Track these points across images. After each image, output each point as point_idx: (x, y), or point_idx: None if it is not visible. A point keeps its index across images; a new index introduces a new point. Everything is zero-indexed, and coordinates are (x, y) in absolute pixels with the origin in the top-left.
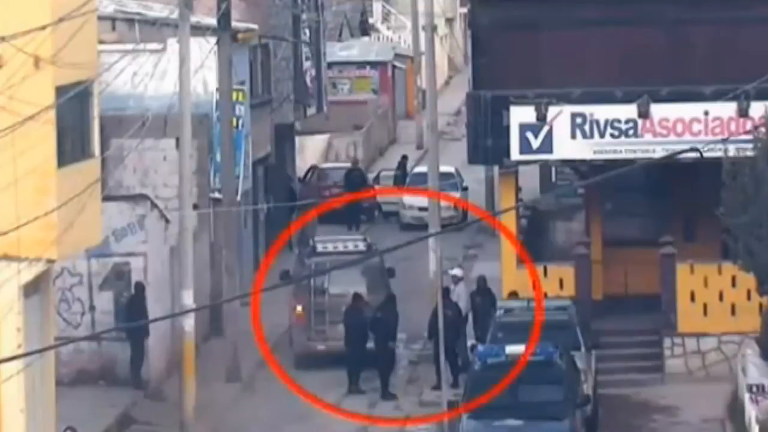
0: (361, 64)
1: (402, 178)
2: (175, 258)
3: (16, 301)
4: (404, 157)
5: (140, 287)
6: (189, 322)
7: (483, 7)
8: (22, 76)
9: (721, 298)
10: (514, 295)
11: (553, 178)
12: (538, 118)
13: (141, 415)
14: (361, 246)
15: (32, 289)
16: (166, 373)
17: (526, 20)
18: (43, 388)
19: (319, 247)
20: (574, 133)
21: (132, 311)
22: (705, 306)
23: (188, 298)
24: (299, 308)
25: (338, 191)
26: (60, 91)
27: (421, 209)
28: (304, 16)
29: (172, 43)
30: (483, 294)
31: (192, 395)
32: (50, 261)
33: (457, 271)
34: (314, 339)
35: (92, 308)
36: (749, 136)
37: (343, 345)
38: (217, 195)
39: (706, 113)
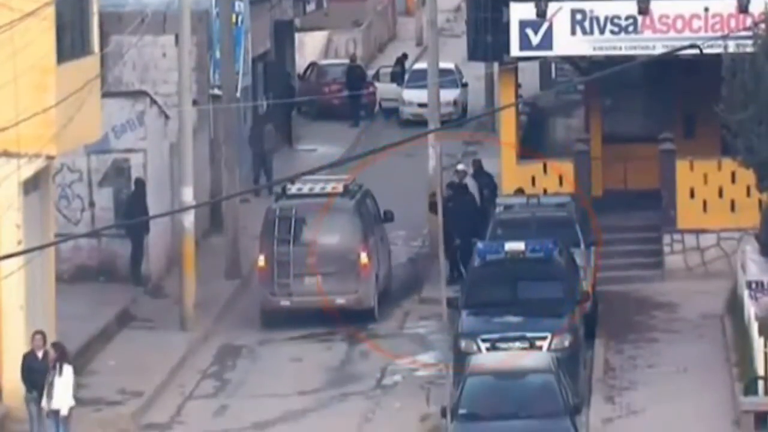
0: None
1: (401, 74)
2: (175, 154)
3: (16, 197)
4: (404, 55)
5: (140, 183)
6: (189, 219)
7: None
8: None
9: (720, 194)
10: (520, 191)
11: (553, 75)
12: (537, 15)
13: (141, 312)
14: (340, 188)
15: (32, 185)
16: (165, 269)
17: None
18: (42, 284)
19: (291, 190)
20: (573, 29)
21: (132, 208)
22: (704, 202)
23: (188, 195)
24: (262, 259)
25: (338, 88)
26: None
27: (421, 105)
28: None
29: None
30: (479, 176)
31: (192, 292)
32: (50, 157)
33: (461, 166)
34: (275, 292)
35: (92, 204)
36: (749, 33)
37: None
38: (216, 91)
39: (706, 9)
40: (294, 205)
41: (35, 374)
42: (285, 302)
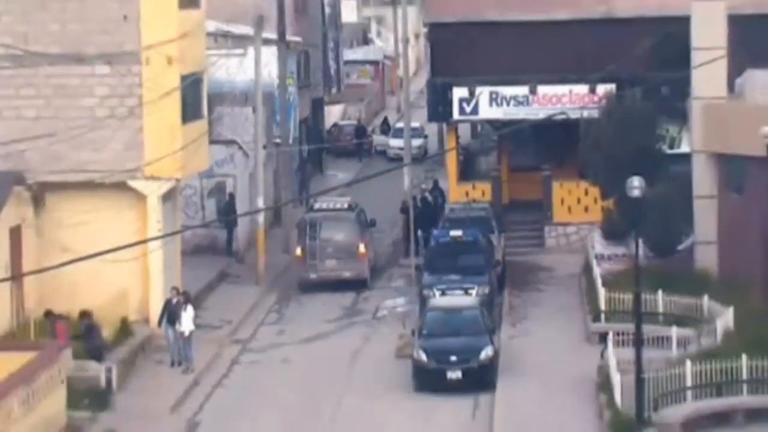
0: (363, 62)
1: (387, 130)
2: (252, 178)
3: (157, 204)
4: (386, 118)
5: (232, 196)
6: (260, 217)
7: (435, 29)
8: (161, 69)
9: (579, 202)
10: (466, 197)
11: (478, 130)
12: (469, 94)
13: (232, 272)
14: (346, 205)
15: (167, 197)
16: (247, 247)
17: (462, 38)
18: (173, 256)
19: (315, 206)
20: (491, 103)
21: (227, 210)
22: (569, 207)
23: (260, 203)
24: (299, 249)
25: (349, 138)
26: (183, 78)
27: (400, 148)
28: (329, 33)
29: (250, 50)
30: (436, 192)
31: (262, 261)
32: (177, 180)
33: (424, 186)
34: (307, 270)
35: (203, 208)
36: (596, 106)
37: (334, 276)
38: (277, 140)
39: (570, 91)
40: (318, 216)
41: (171, 311)
42: (313, 276)
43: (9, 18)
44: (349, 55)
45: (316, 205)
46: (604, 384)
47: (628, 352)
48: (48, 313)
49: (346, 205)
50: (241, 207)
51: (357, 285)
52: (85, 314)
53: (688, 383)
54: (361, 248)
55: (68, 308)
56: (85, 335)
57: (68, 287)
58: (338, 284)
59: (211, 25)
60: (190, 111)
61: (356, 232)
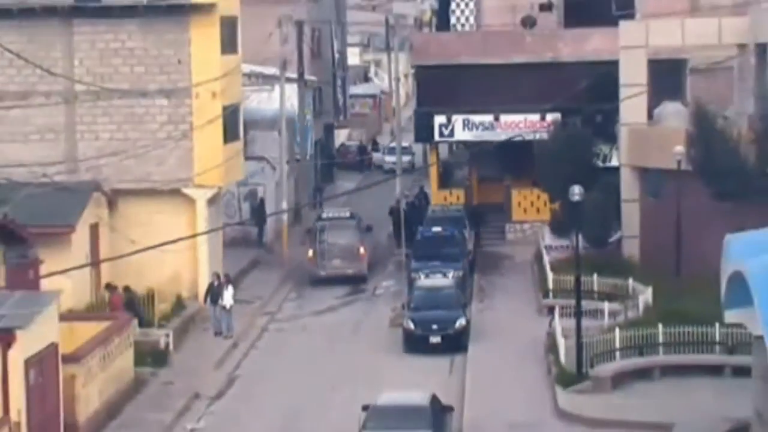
0: (364, 96)
1: (377, 149)
2: (278, 187)
3: (204, 206)
4: (375, 140)
5: (262, 200)
6: (284, 217)
7: (420, 70)
8: (207, 101)
9: (532, 204)
10: (445, 201)
11: (454, 149)
12: (447, 121)
13: (262, 260)
14: (348, 214)
15: (211, 201)
16: (274, 239)
17: (441, 77)
18: (216, 247)
19: (322, 215)
20: (464, 128)
21: (258, 211)
22: (525, 208)
23: (284, 205)
24: (311, 252)
25: (353, 155)
26: (224, 108)
27: (393, 163)
28: (338, 73)
29: (276, 87)
30: (421, 196)
31: (286, 251)
32: (219, 187)
33: (408, 192)
34: (318, 268)
35: (239, 210)
36: (545, 130)
37: (339, 272)
38: (297, 157)
39: (525, 118)
40: (326, 223)
41: (213, 292)
42: (322, 273)
43: (90, 62)
44: (353, 90)
45: (324, 215)
46: (551, 346)
47: (570, 322)
48: (108, 285)
49: (348, 214)
50: (269, 209)
51: (357, 280)
52: (127, 289)
53: (617, 346)
54: (361, 250)
55: (135, 287)
56: (128, 305)
57: (135, 271)
58: (342, 279)
59: (246, 67)
60: (229, 134)
61: (357, 237)
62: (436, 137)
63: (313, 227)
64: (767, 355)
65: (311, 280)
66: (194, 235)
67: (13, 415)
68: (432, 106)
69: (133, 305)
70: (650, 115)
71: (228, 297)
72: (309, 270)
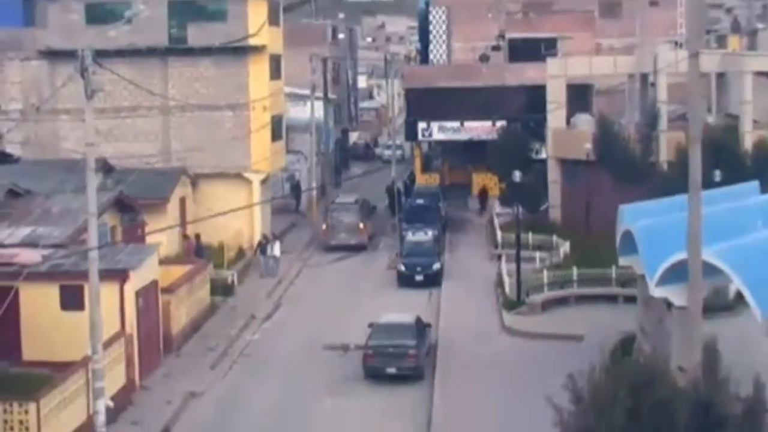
0: (369, 109)
1: (375, 145)
2: (310, 172)
3: (258, 185)
4: (368, 141)
5: (298, 181)
6: (313, 192)
7: (409, 91)
8: (260, 113)
9: (485, 186)
10: (426, 182)
11: (432, 145)
12: (427, 126)
13: (298, 223)
14: (353, 200)
15: (263, 181)
16: (307, 208)
17: (424, 96)
18: (266, 214)
19: (336, 200)
20: (439, 131)
21: (295, 189)
22: (482, 188)
23: (313, 185)
24: (324, 225)
25: (362, 150)
26: (272, 117)
27: (389, 154)
28: (351, 93)
29: (308, 102)
30: (411, 178)
31: (315, 214)
32: (268, 172)
33: (398, 177)
34: (329, 239)
35: (282, 188)
36: (496, 132)
37: (345, 243)
38: (323, 151)
39: (482, 124)
40: (336, 206)
41: (262, 247)
42: (332, 242)
43: (179, 86)
44: (361, 104)
45: (336, 200)
46: (499, 282)
47: (513, 266)
48: (184, 235)
49: (353, 200)
50: (303, 187)
51: (359, 248)
52: (197, 237)
53: (545, 282)
54: (361, 226)
55: (209, 241)
56: (197, 250)
57: (211, 230)
58: (348, 247)
59: (287, 89)
60: (275, 135)
61: (358, 217)
62: (420, 137)
63: (327, 209)
64: (647, 287)
65: (323, 247)
66: (250, 205)
67: (128, 329)
68: (417, 116)
69: (200, 250)
70: (568, 122)
71: (277, 249)
72: (322, 240)
